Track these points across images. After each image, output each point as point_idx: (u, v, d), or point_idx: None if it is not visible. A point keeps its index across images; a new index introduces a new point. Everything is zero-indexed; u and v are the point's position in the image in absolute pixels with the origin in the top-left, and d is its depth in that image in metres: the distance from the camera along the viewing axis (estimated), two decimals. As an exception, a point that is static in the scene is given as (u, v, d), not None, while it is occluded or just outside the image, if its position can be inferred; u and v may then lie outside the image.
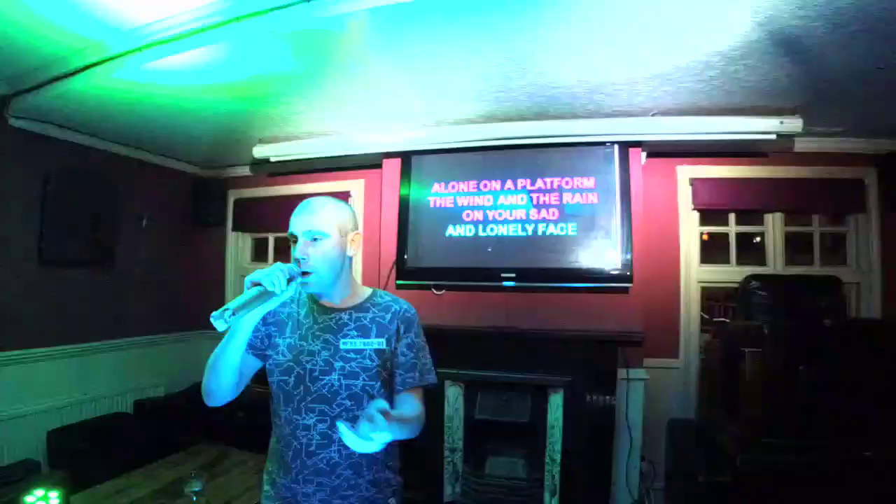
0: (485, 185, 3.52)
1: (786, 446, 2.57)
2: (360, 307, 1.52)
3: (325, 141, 3.60)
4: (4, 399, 3.17)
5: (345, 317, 1.49)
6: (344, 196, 4.14)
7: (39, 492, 2.16)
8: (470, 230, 3.51)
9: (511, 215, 3.46)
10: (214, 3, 2.21)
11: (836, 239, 3.72)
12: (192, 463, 2.90)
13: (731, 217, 3.73)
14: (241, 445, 3.25)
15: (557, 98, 3.04)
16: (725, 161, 3.60)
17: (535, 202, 3.42)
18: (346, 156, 3.67)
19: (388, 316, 1.51)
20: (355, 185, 4.15)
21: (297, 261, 1.40)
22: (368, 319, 1.50)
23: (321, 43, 2.38)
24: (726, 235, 3.75)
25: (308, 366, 1.44)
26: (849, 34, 2.21)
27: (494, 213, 3.48)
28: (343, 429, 1.20)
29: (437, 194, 3.59)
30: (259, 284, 1.28)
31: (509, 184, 3.48)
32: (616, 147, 3.36)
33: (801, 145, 3.49)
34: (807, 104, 2.95)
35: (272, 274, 1.29)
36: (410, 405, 1.43)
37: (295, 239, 1.43)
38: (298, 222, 1.43)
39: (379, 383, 1.45)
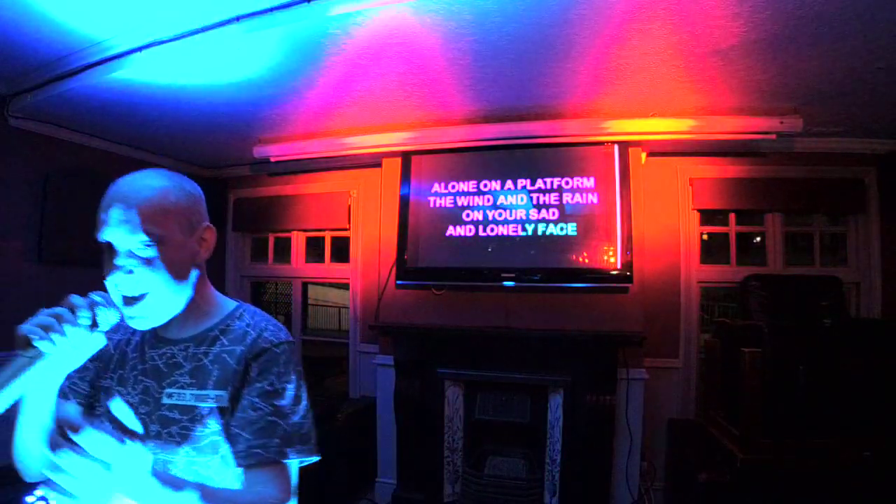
0: (485, 185, 3.52)
1: (786, 446, 2.57)
2: (202, 337, 1.02)
3: (325, 141, 3.59)
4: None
5: (179, 353, 1.00)
6: (344, 196, 4.14)
7: (40, 491, 2.17)
8: (470, 230, 3.50)
9: (511, 215, 3.45)
10: (214, 3, 2.20)
11: (836, 239, 3.72)
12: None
13: (731, 217, 3.73)
14: None
15: (557, 96, 3.03)
16: (725, 161, 3.61)
17: (535, 202, 3.42)
18: (345, 155, 3.66)
19: (240, 350, 1.00)
20: (355, 184, 4.15)
21: (120, 284, 0.92)
22: (212, 357, 0.99)
23: (321, 43, 2.38)
24: (726, 235, 3.75)
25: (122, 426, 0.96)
26: (848, 34, 2.21)
27: (494, 213, 3.48)
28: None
29: (437, 194, 3.59)
30: (31, 345, 0.82)
31: (509, 184, 3.48)
32: (616, 147, 3.36)
33: (801, 145, 3.49)
34: (807, 104, 2.95)
35: (51, 323, 0.84)
36: (252, 490, 0.92)
37: (113, 252, 0.92)
38: (111, 219, 0.92)
39: (216, 459, 0.96)
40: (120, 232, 0.90)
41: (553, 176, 3.43)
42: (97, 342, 0.87)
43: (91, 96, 2.94)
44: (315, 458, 0.98)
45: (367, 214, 4.07)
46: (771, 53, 2.40)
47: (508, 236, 3.44)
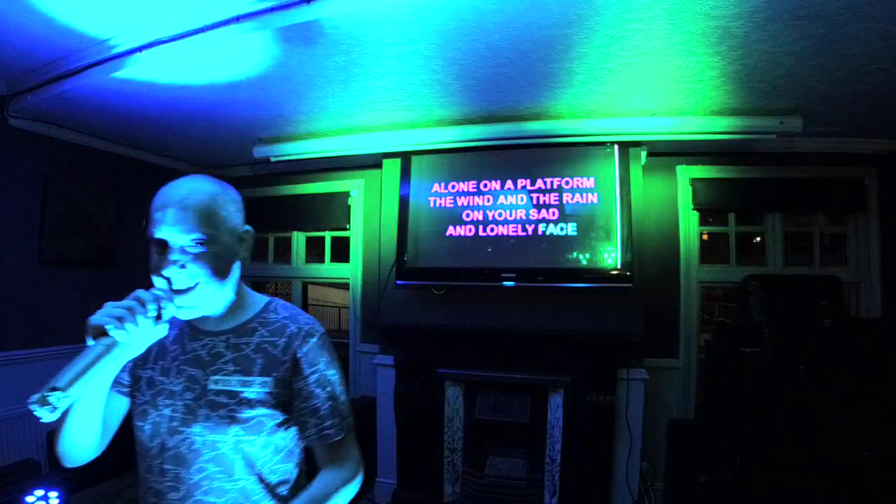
0: (485, 186, 3.51)
1: (785, 446, 2.56)
2: (242, 329, 1.11)
3: (325, 141, 3.58)
4: (5, 399, 3.15)
5: (220, 344, 1.09)
6: (344, 196, 4.15)
7: (39, 492, 2.15)
8: (470, 230, 3.49)
9: (511, 215, 3.44)
10: (214, 3, 2.20)
11: (836, 239, 3.71)
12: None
13: (731, 217, 3.72)
14: None
15: (557, 97, 3.03)
16: (725, 161, 3.60)
17: (535, 202, 3.41)
18: (346, 156, 3.67)
19: (282, 341, 1.09)
20: (355, 184, 4.15)
21: (172, 278, 0.99)
22: (253, 347, 1.09)
23: (320, 43, 2.37)
24: (726, 235, 3.74)
25: (167, 411, 1.05)
26: (847, 34, 2.20)
27: (494, 213, 3.46)
28: None
29: (437, 194, 3.58)
30: (105, 333, 0.89)
31: (509, 184, 3.47)
32: (616, 147, 3.35)
33: (800, 145, 3.49)
34: (807, 104, 2.95)
35: (125, 314, 0.90)
36: (332, 473, 1.08)
37: (162, 246, 1.00)
38: (167, 218, 0.99)
39: (261, 439, 1.04)
40: (174, 230, 0.98)
41: (553, 176, 3.42)
42: (160, 332, 0.96)
43: (91, 96, 2.94)
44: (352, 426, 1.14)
45: (368, 214, 4.07)
46: (771, 54, 2.39)
47: (508, 236, 3.43)
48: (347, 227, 4.13)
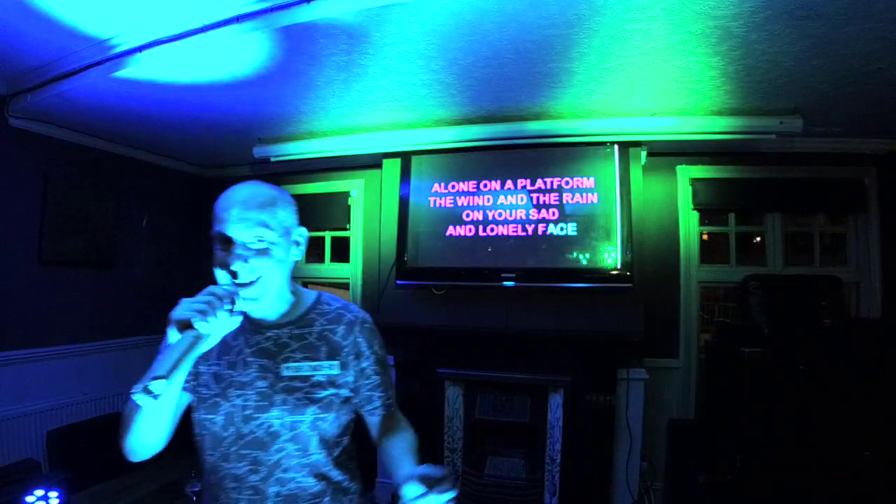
0: (485, 186, 3.49)
1: (785, 446, 2.56)
2: (302, 320, 1.22)
3: (325, 141, 3.57)
4: (5, 399, 3.14)
5: (284, 334, 1.20)
6: (344, 196, 4.14)
7: (39, 492, 2.15)
8: (470, 230, 3.47)
9: (511, 215, 3.43)
10: (215, 3, 2.19)
11: (836, 239, 3.71)
12: (191, 463, 2.85)
13: (731, 217, 3.72)
14: None
15: (557, 97, 3.02)
16: (725, 161, 3.59)
17: (534, 202, 3.40)
18: (346, 156, 3.65)
19: (341, 329, 1.23)
20: (355, 184, 4.13)
21: (233, 273, 1.08)
22: (315, 335, 1.21)
23: (321, 43, 2.37)
24: (726, 235, 3.73)
25: (239, 401, 1.14)
26: (847, 34, 2.20)
27: (494, 213, 3.45)
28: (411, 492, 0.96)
29: (437, 194, 3.56)
30: (189, 326, 0.97)
31: (509, 184, 3.45)
32: (616, 147, 3.34)
33: (801, 145, 3.48)
34: (807, 104, 2.94)
35: (207, 308, 0.98)
36: (402, 430, 1.26)
37: (226, 242, 1.09)
38: (232, 217, 1.08)
39: (332, 415, 1.17)
40: (239, 227, 1.07)
41: (553, 176, 3.41)
42: (234, 324, 1.04)
43: (90, 96, 2.93)
44: None
45: (368, 214, 4.06)
46: (771, 54, 2.38)
47: (508, 236, 3.42)
48: (347, 226, 4.12)
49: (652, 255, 3.57)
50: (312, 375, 1.16)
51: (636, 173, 3.37)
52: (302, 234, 1.22)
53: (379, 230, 3.77)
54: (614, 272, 3.24)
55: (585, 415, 3.28)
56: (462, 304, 3.51)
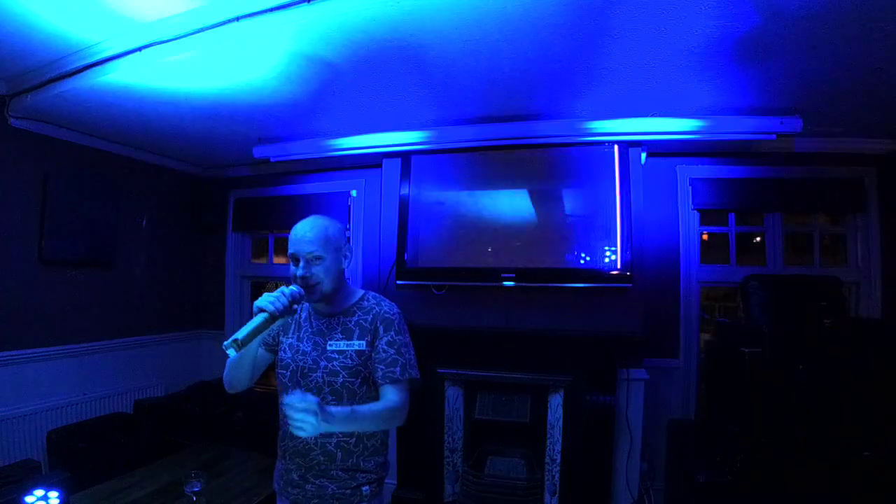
0: (484, 186, 3.49)
1: (786, 446, 2.55)
2: (347, 311, 1.71)
3: (326, 141, 3.57)
4: (4, 399, 3.13)
5: (334, 321, 1.70)
6: (344, 196, 4.13)
7: (39, 492, 2.15)
8: (470, 230, 3.46)
9: (511, 215, 3.41)
10: (214, 3, 2.19)
11: (836, 239, 3.70)
12: (191, 463, 2.87)
13: (731, 217, 3.71)
14: (240, 445, 3.22)
15: (557, 98, 3.03)
16: (725, 161, 3.58)
17: (535, 202, 3.39)
18: (346, 155, 3.65)
19: (370, 318, 1.70)
20: (355, 184, 4.12)
21: (304, 278, 1.59)
22: (353, 322, 1.69)
23: (321, 43, 2.37)
24: (726, 235, 3.72)
25: (300, 363, 1.67)
26: (848, 34, 2.20)
27: (494, 213, 3.44)
28: (290, 403, 1.37)
29: (437, 194, 3.55)
30: (264, 311, 1.48)
31: (509, 184, 3.45)
32: (616, 147, 3.33)
33: (801, 145, 3.47)
34: (807, 104, 2.93)
35: (276, 300, 1.49)
36: (385, 399, 1.62)
37: (297, 259, 1.62)
38: (299, 245, 1.62)
39: (358, 380, 1.65)
40: (302, 249, 1.61)
41: (553, 176, 3.40)
42: (293, 314, 1.56)
43: (89, 98, 2.94)
44: (418, 378, 1.70)
45: (368, 214, 4.05)
46: (772, 54, 2.38)
47: (508, 236, 3.40)
48: (347, 227, 4.11)
49: (652, 255, 3.55)
50: (346, 350, 1.64)
51: (636, 173, 3.36)
52: (348, 247, 1.72)
53: (379, 230, 3.76)
54: (614, 272, 3.24)
55: (585, 415, 3.26)
56: (462, 303, 3.51)
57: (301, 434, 1.36)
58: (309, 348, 1.68)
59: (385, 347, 1.66)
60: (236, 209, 4.52)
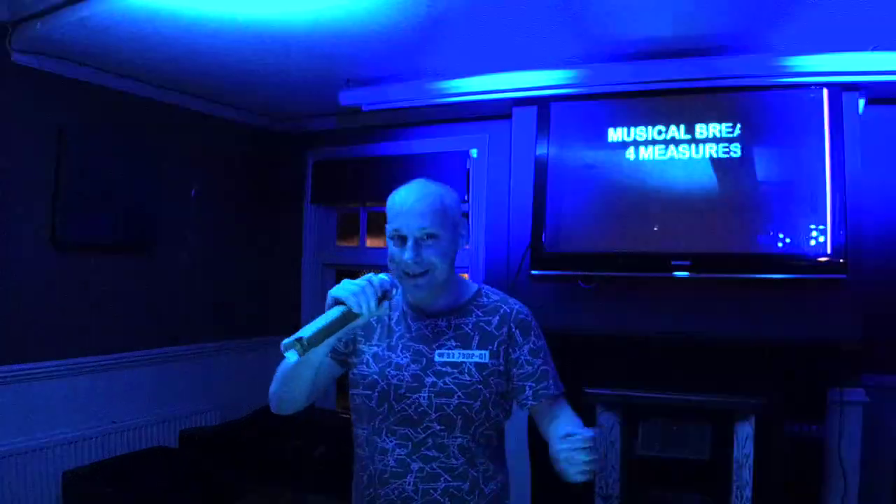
0: (649, 144, 3.04)
1: None
2: (461, 310, 1.45)
3: (437, 83, 3.17)
4: (9, 429, 2.83)
5: (442, 323, 1.44)
6: (461, 157, 3.71)
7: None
8: (629, 203, 3.07)
9: (685, 183, 3.00)
10: None
11: None
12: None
13: None
14: (321, 490, 3.01)
15: (748, 25, 2.62)
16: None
17: (717, 166, 2.95)
18: (464, 103, 3.25)
19: (496, 320, 1.43)
20: (476, 141, 3.67)
21: (415, 263, 1.32)
22: (471, 325, 1.43)
23: None
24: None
25: (394, 381, 1.39)
26: None
27: (662, 179, 3.03)
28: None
29: (586, 154, 3.12)
30: (342, 303, 1.20)
31: (682, 141, 3.02)
32: (825, 91, 2.85)
33: None
34: None
35: (360, 291, 1.21)
36: (565, 411, 1.39)
37: (402, 238, 1.35)
38: (407, 218, 1.35)
39: (478, 403, 1.37)
40: (411, 225, 1.33)
41: (740, 132, 2.95)
42: (383, 312, 1.27)
43: (122, 23, 2.55)
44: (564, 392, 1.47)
45: (493, 182, 3.64)
46: None
47: (681, 212, 3.02)
48: (466, 198, 3.71)
49: (875, 236, 3.02)
50: (462, 363, 1.37)
51: (852, 126, 2.89)
52: (465, 223, 1.45)
53: (508, 203, 3.40)
54: (823, 259, 2.82)
55: (784, 450, 2.88)
56: (618, 301, 3.14)
57: (582, 479, 1.15)
58: (407, 360, 1.40)
59: (529, 358, 1.41)
60: (316, 174, 4.16)
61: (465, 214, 3.96)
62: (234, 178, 4.04)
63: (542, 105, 3.14)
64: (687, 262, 2.91)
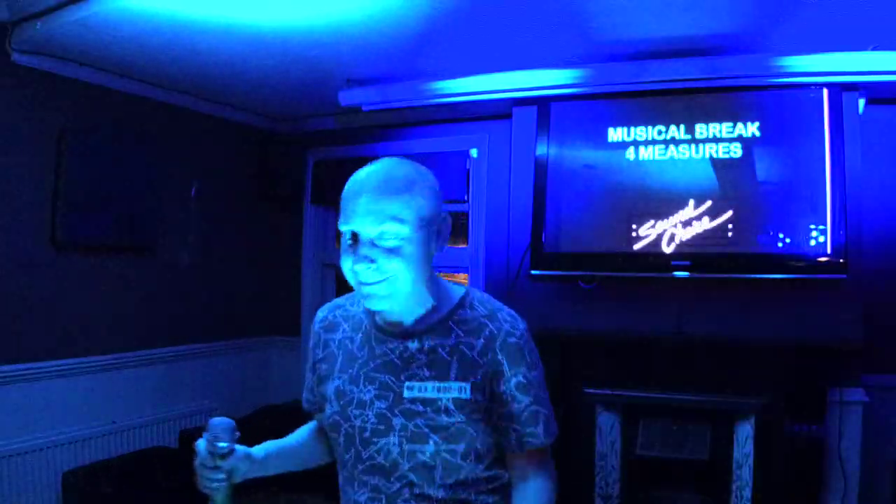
0: (649, 143, 3.04)
1: None
2: (437, 328, 1.13)
3: (437, 84, 3.15)
4: (8, 429, 2.81)
5: (413, 346, 1.12)
6: (460, 157, 3.69)
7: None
8: (629, 203, 3.05)
9: (685, 182, 2.99)
10: None
11: None
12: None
13: None
14: (318, 489, 3.05)
15: (749, 25, 2.61)
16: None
17: (716, 165, 2.95)
18: (464, 103, 3.24)
19: (480, 343, 1.11)
20: (476, 141, 3.67)
21: (364, 270, 1.03)
22: (448, 349, 1.11)
23: None
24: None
25: (357, 422, 1.11)
26: None
27: (662, 180, 3.02)
28: None
29: (586, 154, 3.13)
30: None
31: (681, 141, 3.01)
32: (825, 91, 2.85)
33: None
34: None
35: (205, 480, 1.08)
36: (535, 486, 1.13)
37: (355, 238, 1.04)
38: (360, 209, 1.03)
39: (463, 446, 1.08)
40: (366, 221, 1.02)
41: (740, 130, 2.95)
42: (237, 462, 1.11)
43: (123, 23, 2.54)
44: (557, 433, 1.17)
45: (492, 182, 3.63)
46: None
47: (681, 210, 2.98)
48: (465, 198, 3.70)
49: (875, 236, 3.02)
50: (437, 399, 1.06)
51: (852, 126, 2.89)
52: (445, 220, 1.11)
53: (508, 202, 3.39)
54: (823, 258, 2.83)
55: (784, 450, 2.87)
56: (618, 301, 3.13)
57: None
58: (370, 395, 1.11)
59: (516, 395, 1.10)
60: (316, 174, 4.14)
61: (465, 214, 3.88)
62: (234, 178, 4.03)
63: (542, 105, 3.14)
64: (687, 262, 2.91)
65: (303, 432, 1.26)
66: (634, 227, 3.03)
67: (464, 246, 3.82)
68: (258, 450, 1.15)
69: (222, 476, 1.05)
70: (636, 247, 3.00)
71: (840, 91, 2.84)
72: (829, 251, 2.77)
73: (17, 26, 2.65)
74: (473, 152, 3.67)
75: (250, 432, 3.26)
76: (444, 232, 1.11)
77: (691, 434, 3.01)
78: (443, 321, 1.11)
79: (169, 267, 3.64)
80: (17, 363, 2.86)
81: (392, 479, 1.07)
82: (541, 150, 3.13)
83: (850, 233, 2.79)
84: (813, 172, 2.84)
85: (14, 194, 2.88)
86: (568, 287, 3.14)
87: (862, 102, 2.93)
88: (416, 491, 1.06)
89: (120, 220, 3.32)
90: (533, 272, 3.12)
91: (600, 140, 3.09)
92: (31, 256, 2.96)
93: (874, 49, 2.69)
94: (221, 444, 1.08)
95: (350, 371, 1.13)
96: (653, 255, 2.96)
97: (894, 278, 3.03)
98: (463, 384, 1.06)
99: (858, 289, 2.82)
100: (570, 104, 3.13)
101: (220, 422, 1.10)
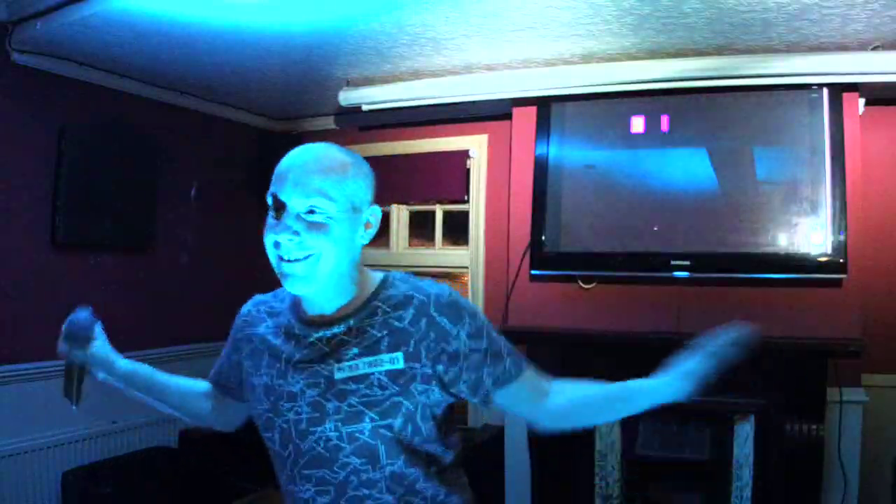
0: (650, 143, 3.04)
1: None
2: (362, 310, 1.11)
3: (436, 83, 3.15)
4: (7, 429, 2.81)
5: (340, 330, 1.10)
6: (460, 157, 3.66)
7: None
8: (629, 203, 3.06)
9: (685, 183, 3.00)
10: None
11: None
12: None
13: None
14: None
15: (747, 26, 2.60)
16: None
17: (716, 165, 2.95)
18: (464, 103, 3.22)
19: (409, 314, 1.09)
20: (476, 142, 3.64)
21: (286, 244, 1.02)
22: (377, 325, 1.10)
23: None
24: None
25: (290, 415, 1.08)
26: None
27: (662, 179, 3.03)
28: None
29: (586, 154, 3.13)
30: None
31: (683, 141, 3.02)
32: (825, 92, 2.85)
33: None
34: None
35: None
36: (560, 384, 1.20)
37: (280, 207, 1.03)
38: (289, 180, 1.02)
39: (400, 420, 1.06)
40: (294, 193, 1.01)
41: (741, 131, 2.99)
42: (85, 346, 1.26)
43: (123, 24, 2.54)
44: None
45: (493, 181, 3.60)
46: None
47: (681, 212, 3.01)
48: (465, 198, 3.68)
49: (874, 237, 3.01)
50: (369, 374, 1.04)
51: (852, 127, 2.88)
52: (374, 213, 1.10)
53: (508, 202, 3.36)
54: (823, 258, 2.81)
55: (783, 450, 2.85)
56: (617, 301, 3.14)
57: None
58: (300, 386, 1.08)
59: (470, 343, 1.08)
60: None
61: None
62: (234, 178, 4.03)
63: (542, 104, 3.13)
64: (687, 262, 2.90)
65: (188, 380, 1.31)
66: (634, 227, 3.04)
67: (464, 247, 3.81)
68: (127, 362, 1.26)
69: (78, 353, 1.20)
70: (636, 247, 3.01)
71: (840, 91, 2.83)
72: (829, 251, 2.76)
73: (17, 26, 2.65)
74: (473, 152, 3.66)
75: (250, 432, 3.23)
76: (373, 225, 1.09)
77: (691, 434, 3.01)
78: (367, 302, 1.09)
79: (169, 267, 3.62)
80: (17, 363, 2.85)
81: (335, 467, 1.04)
82: (541, 149, 3.13)
83: (851, 234, 2.78)
84: (813, 172, 2.84)
85: (14, 194, 2.87)
86: (567, 287, 3.13)
87: (862, 102, 2.91)
88: (364, 476, 1.03)
89: (119, 219, 3.30)
90: (533, 272, 3.12)
91: (600, 140, 3.10)
92: (31, 256, 2.95)
93: (874, 49, 2.69)
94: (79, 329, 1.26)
95: (277, 366, 1.10)
96: (652, 254, 2.97)
97: (894, 278, 3.04)
98: (394, 355, 1.04)
99: (859, 289, 2.82)
100: (570, 104, 3.11)
101: (82, 315, 1.26)
